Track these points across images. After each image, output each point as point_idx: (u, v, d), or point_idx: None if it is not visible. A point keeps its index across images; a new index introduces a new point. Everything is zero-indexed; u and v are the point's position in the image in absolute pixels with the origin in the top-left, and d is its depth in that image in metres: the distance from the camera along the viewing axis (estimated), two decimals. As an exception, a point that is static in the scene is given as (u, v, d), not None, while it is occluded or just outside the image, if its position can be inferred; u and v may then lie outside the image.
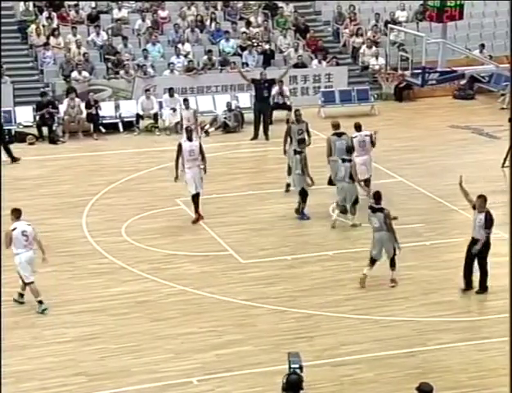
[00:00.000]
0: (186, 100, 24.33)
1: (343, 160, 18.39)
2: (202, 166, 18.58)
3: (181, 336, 14.12)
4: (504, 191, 18.94)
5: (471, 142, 24.88)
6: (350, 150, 18.68)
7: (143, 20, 29.39)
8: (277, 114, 26.62)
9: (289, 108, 26.78)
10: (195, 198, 18.56)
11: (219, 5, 30.85)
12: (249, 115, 26.74)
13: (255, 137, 25.11)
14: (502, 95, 28.38)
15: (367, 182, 19.38)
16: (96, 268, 16.71)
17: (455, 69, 26.99)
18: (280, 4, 31.17)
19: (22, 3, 28.90)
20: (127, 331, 14.29)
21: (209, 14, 30.18)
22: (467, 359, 13.47)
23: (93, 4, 29.77)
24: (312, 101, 28.08)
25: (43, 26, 28.37)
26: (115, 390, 12.72)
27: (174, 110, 25.82)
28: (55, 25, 28.52)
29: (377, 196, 15.68)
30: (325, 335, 14.18)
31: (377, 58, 29.37)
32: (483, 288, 15.62)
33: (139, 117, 25.97)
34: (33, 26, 28.21)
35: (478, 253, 15.49)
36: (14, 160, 22.96)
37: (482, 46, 29.82)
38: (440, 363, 13.33)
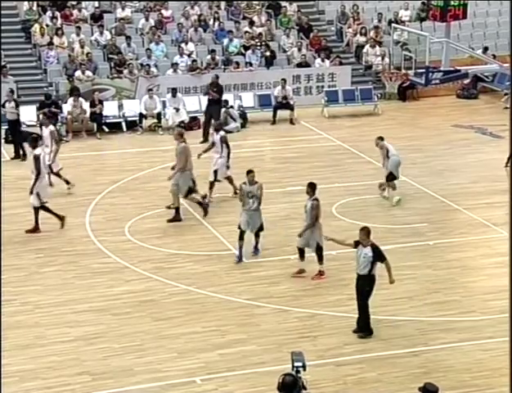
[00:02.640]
0: (47, 114, 21.84)
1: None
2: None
3: (184, 336, 14.13)
4: (506, 191, 18.92)
5: (474, 142, 24.87)
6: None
7: (146, 20, 29.43)
8: (281, 113, 26.67)
9: (291, 108, 26.79)
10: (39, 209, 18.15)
11: (222, 4, 30.87)
12: (253, 115, 26.81)
13: (205, 140, 24.17)
14: (505, 94, 28.37)
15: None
16: (100, 267, 16.72)
17: (458, 68, 27.01)
18: (284, 4, 31.19)
19: (26, 3, 28.93)
20: (130, 330, 14.30)
21: (213, 13, 30.20)
22: (470, 359, 13.47)
23: (96, 4, 29.80)
24: (315, 100, 28.11)
25: (47, 26, 28.41)
26: (118, 389, 12.72)
27: (177, 109, 25.86)
28: (58, 25, 28.56)
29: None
30: (329, 334, 14.18)
31: (383, 58, 29.35)
32: (366, 329, 14.06)
33: (142, 116, 26.00)
34: (36, 26, 28.26)
35: (362, 290, 14.04)
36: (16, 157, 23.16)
37: (486, 49, 29.74)
38: (443, 363, 13.32)
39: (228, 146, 19.78)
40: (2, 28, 28.09)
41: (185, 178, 18.75)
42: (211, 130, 20.44)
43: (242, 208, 16.69)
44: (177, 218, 18.75)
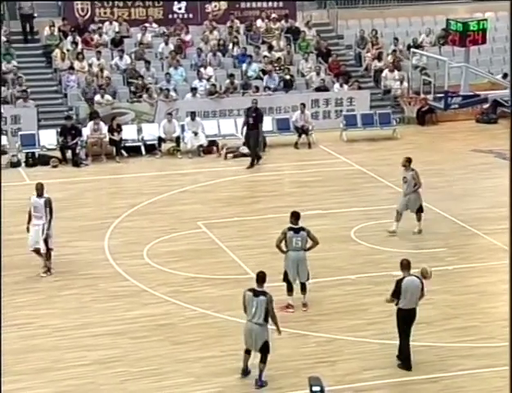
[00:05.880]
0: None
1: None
2: None
3: (201, 360, 14.07)
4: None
5: (493, 166, 24.75)
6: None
7: (166, 44, 29.61)
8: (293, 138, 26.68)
9: (306, 132, 26.69)
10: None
11: (242, 29, 31.01)
12: (271, 139, 26.83)
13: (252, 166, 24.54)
14: (525, 119, 28.25)
15: None
16: (118, 290, 16.73)
17: (477, 93, 26.95)
18: (303, 28, 31.29)
19: (47, 28, 29.20)
20: (147, 354, 14.26)
21: (232, 38, 30.34)
22: (489, 386, 13.32)
23: (117, 28, 30.02)
24: (334, 124, 28.13)
25: (68, 50, 28.65)
26: (135, 413, 12.70)
27: (196, 133, 25.94)
28: (79, 49, 28.80)
29: (296, 216, 15.75)
30: (347, 359, 14.08)
31: (402, 83, 29.35)
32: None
33: (161, 140, 26.09)
34: (57, 50, 28.51)
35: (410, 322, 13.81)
36: None
37: (505, 75, 29.63)
38: (462, 390, 13.20)
39: (51, 211, 16.87)
40: (24, 53, 28.47)
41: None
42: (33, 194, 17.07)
43: (247, 319, 13.44)
44: None
